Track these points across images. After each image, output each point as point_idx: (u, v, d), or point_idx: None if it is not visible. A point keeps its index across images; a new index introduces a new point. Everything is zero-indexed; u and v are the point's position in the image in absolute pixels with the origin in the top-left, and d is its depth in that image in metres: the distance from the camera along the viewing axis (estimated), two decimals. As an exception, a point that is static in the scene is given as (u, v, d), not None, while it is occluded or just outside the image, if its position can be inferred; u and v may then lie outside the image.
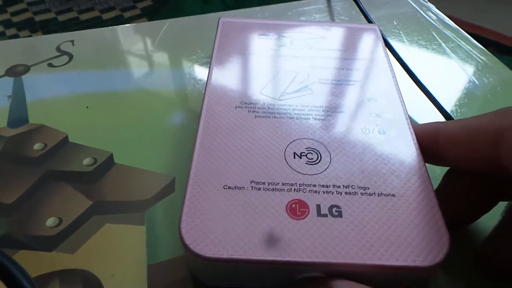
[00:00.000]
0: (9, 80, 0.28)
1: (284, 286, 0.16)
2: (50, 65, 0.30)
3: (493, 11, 1.36)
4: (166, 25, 0.35)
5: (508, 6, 1.37)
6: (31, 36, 1.11)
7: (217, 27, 0.27)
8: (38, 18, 1.19)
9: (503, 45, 1.18)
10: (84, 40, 0.33)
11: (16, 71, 0.29)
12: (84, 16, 1.20)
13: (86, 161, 0.23)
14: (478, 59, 0.32)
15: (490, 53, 0.33)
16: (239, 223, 0.16)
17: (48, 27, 1.15)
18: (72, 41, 0.32)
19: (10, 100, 0.27)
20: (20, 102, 0.27)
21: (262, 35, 0.26)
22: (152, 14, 1.21)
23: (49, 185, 0.22)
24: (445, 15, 0.37)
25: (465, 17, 1.26)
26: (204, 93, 0.22)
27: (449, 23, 0.36)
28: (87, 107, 0.27)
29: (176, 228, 0.16)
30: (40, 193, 0.22)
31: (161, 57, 0.31)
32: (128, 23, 1.13)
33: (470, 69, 0.31)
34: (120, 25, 0.35)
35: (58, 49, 0.31)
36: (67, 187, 0.22)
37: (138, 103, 0.27)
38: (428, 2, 0.39)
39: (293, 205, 0.16)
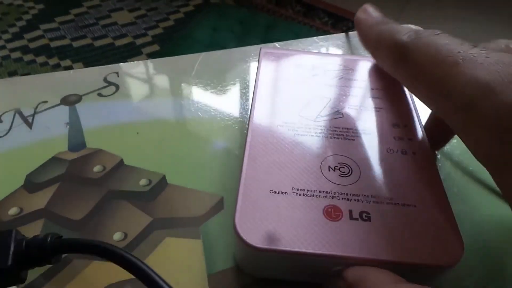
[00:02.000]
0: (65, 109, 0.31)
1: (317, 278, 0.18)
2: (100, 94, 0.33)
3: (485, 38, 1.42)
4: (201, 58, 0.38)
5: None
6: (47, 61, 1.16)
7: (259, 56, 0.30)
8: (53, 44, 1.24)
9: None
10: (127, 72, 0.36)
11: (70, 100, 0.32)
12: (97, 43, 1.25)
13: (142, 181, 0.26)
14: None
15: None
16: (284, 221, 0.18)
17: (64, 53, 1.20)
18: (117, 73, 0.35)
19: (68, 126, 0.30)
20: (77, 128, 0.30)
21: (299, 64, 0.30)
22: (163, 41, 1.26)
23: (112, 203, 0.25)
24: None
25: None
26: (250, 114, 0.25)
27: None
28: (137, 133, 0.30)
29: (229, 241, 0.18)
30: (105, 210, 0.24)
31: (198, 88, 0.35)
32: (140, 50, 1.18)
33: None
34: (158, 58, 0.38)
35: (105, 79, 0.35)
36: (128, 205, 0.25)
37: (183, 130, 0.30)
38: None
39: (329, 209, 0.19)
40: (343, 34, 0.42)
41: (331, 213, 0.19)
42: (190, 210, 0.24)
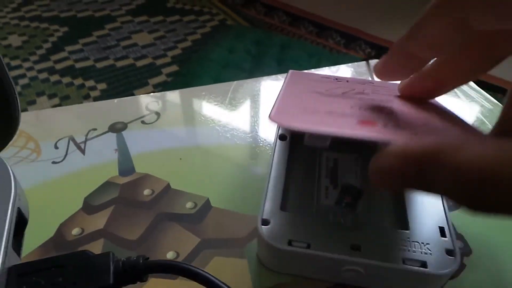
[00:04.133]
0: (112, 135, 0.34)
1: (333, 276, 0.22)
2: (143, 122, 0.36)
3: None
4: (233, 86, 0.41)
5: None
6: (72, 82, 1.21)
7: (286, 76, 0.32)
8: (78, 65, 1.29)
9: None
10: (167, 100, 0.39)
11: (116, 128, 0.35)
12: (119, 64, 1.31)
13: (189, 204, 0.28)
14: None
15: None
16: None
17: (87, 74, 1.25)
18: (158, 101, 0.38)
19: (116, 152, 0.33)
20: (125, 154, 0.33)
21: (325, 81, 0.32)
22: (181, 61, 1.31)
23: (162, 224, 0.27)
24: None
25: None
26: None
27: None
28: (180, 158, 0.32)
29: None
30: (157, 231, 0.27)
31: (232, 115, 0.37)
32: (160, 70, 1.22)
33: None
34: (193, 87, 0.41)
35: (147, 108, 0.38)
36: (177, 226, 0.27)
37: (222, 156, 0.33)
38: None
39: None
40: (364, 62, 0.44)
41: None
42: (234, 231, 0.27)
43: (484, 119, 0.37)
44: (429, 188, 0.13)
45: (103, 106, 0.38)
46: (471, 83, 0.42)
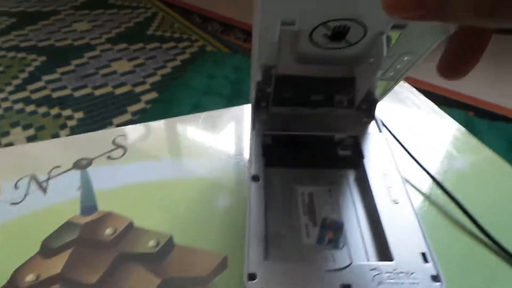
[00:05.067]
0: (77, 173, 0.34)
1: None
2: (109, 157, 0.35)
3: (467, 76, 1.49)
4: (203, 117, 0.41)
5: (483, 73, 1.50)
6: (49, 111, 1.19)
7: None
8: (55, 94, 1.28)
9: (481, 109, 1.28)
10: (133, 134, 0.39)
11: (81, 165, 0.35)
12: (98, 92, 1.30)
13: (151, 243, 0.28)
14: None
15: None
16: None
17: (65, 103, 1.24)
18: (124, 135, 0.38)
19: (79, 190, 0.32)
20: (89, 192, 0.32)
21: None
22: (161, 88, 1.31)
23: (123, 266, 0.26)
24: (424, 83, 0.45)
25: (443, 84, 1.38)
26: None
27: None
28: (145, 194, 0.32)
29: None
30: (117, 273, 0.26)
31: (201, 148, 0.37)
32: (139, 97, 1.22)
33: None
34: (163, 119, 0.41)
35: (113, 142, 0.37)
36: (138, 267, 0.26)
37: (190, 189, 0.32)
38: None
39: None
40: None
41: None
42: (197, 269, 0.26)
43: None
44: (444, 12, 0.13)
45: (69, 142, 0.37)
46: (433, 106, 0.43)
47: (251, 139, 0.32)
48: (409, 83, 0.47)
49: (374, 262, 0.24)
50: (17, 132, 1.09)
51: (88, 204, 0.31)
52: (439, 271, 0.23)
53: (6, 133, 1.09)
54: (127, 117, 1.17)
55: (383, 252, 0.25)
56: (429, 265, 0.23)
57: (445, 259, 0.27)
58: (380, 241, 0.26)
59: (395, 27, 0.22)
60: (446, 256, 0.28)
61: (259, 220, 0.25)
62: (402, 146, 0.35)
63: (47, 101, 1.23)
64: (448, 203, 0.31)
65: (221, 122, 0.40)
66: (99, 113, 1.18)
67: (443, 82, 1.36)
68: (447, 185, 0.32)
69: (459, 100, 1.29)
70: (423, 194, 0.33)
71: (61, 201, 0.31)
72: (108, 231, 0.29)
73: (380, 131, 0.34)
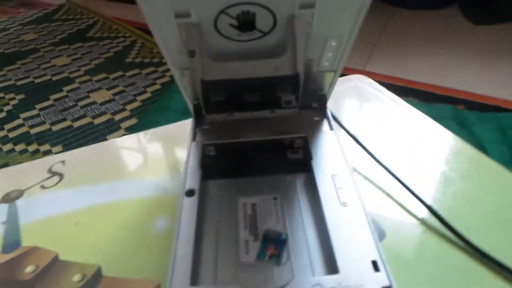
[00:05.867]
0: (4, 207, 0.31)
1: None
2: (42, 186, 0.33)
3: (455, 71, 1.48)
4: (148, 135, 0.38)
5: (470, 65, 1.49)
6: (26, 148, 1.17)
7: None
8: (33, 131, 1.26)
9: (472, 102, 1.27)
10: (73, 158, 0.36)
11: (10, 197, 0.32)
12: (77, 124, 1.28)
13: (76, 277, 0.25)
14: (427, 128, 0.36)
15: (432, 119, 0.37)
16: None
17: (43, 138, 1.21)
18: (63, 162, 0.35)
19: (3, 226, 0.29)
20: (14, 227, 0.29)
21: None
22: (141, 113, 1.29)
23: (40, 307, 0.23)
24: (410, 80, 0.43)
25: (431, 81, 1.37)
26: None
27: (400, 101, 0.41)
28: (76, 223, 0.29)
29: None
30: (32, 317, 0.22)
31: (145, 166, 0.34)
32: (119, 124, 1.20)
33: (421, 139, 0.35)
34: (105, 142, 0.39)
35: (49, 170, 0.34)
36: (58, 307, 0.23)
37: (124, 213, 0.29)
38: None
39: None
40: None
41: None
42: (125, 303, 0.23)
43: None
44: None
45: (0, 175, 0.35)
46: (399, 100, 0.41)
47: (188, 152, 0.29)
48: (394, 82, 0.45)
49: (317, 277, 0.21)
50: (-6, 173, 1.06)
51: (11, 240, 0.28)
52: (392, 281, 0.19)
53: (-17, 175, 1.06)
54: (106, 146, 1.14)
55: (330, 263, 0.22)
56: (380, 274, 0.20)
57: (408, 259, 0.24)
58: (327, 252, 0.23)
59: (303, 7, 0.20)
60: (410, 257, 0.25)
61: (188, 239, 0.22)
62: (356, 140, 0.33)
63: (25, 138, 1.21)
64: (412, 200, 0.28)
65: (169, 138, 0.38)
66: (78, 145, 1.16)
67: (430, 79, 1.35)
68: (412, 182, 0.29)
69: (448, 95, 1.28)
70: (384, 191, 0.30)
71: (-18, 240, 0.28)
72: (29, 268, 0.25)
73: (331, 129, 0.31)
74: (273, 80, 0.30)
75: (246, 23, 0.21)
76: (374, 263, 0.20)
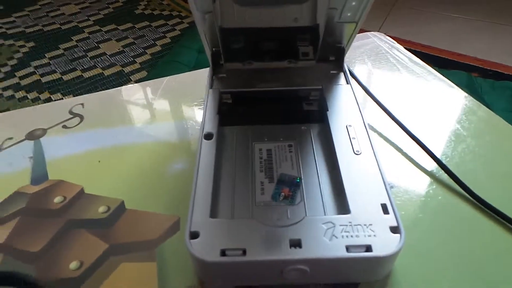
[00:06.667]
0: (30, 143, 0.32)
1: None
2: (65, 126, 0.34)
3: (470, 37, 1.43)
4: (164, 82, 0.39)
5: (485, 33, 1.44)
6: (39, 96, 1.18)
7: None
8: (44, 79, 1.26)
9: (488, 70, 1.24)
10: (92, 102, 0.37)
11: (35, 135, 0.33)
12: (87, 74, 1.28)
13: (101, 209, 0.26)
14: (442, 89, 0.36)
15: (447, 79, 0.37)
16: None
17: (54, 87, 1.22)
18: (82, 104, 0.36)
19: (31, 160, 0.31)
20: (40, 162, 0.30)
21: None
22: (150, 66, 1.29)
23: (69, 233, 0.25)
24: (425, 45, 0.42)
25: (446, 47, 1.33)
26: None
27: (418, 61, 0.40)
28: (99, 161, 0.30)
29: (183, 260, 0.19)
30: (63, 241, 0.25)
31: (161, 112, 0.35)
32: (129, 77, 1.20)
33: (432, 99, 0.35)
34: (123, 86, 0.39)
35: (70, 112, 0.35)
36: (85, 233, 0.25)
37: (143, 154, 0.31)
38: (396, 43, 0.44)
39: None
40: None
41: None
42: (147, 233, 0.25)
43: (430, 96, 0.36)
44: None
45: (23, 113, 0.36)
46: (415, 59, 0.40)
47: (206, 98, 0.30)
48: (409, 47, 0.44)
49: (329, 216, 0.22)
50: (7, 119, 1.09)
51: (39, 173, 0.29)
52: (399, 223, 0.21)
53: (-3, 121, 1.08)
54: (117, 97, 1.15)
55: (342, 205, 0.23)
56: (389, 216, 0.21)
57: (415, 209, 0.26)
58: (339, 195, 0.24)
59: None
60: (416, 206, 0.26)
61: (207, 178, 0.24)
62: (370, 94, 0.33)
63: (37, 86, 1.22)
64: (421, 154, 0.29)
65: (185, 86, 0.38)
66: (89, 95, 1.17)
67: (445, 45, 1.31)
68: (423, 138, 0.30)
69: (462, 62, 1.25)
70: (394, 145, 0.31)
71: (11, 171, 0.30)
72: (57, 199, 0.27)
73: (348, 82, 0.31)
74: (292, 31, 0.30)
75: None
76: (384, 206, 0.22)
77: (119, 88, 0.39)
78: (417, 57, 0.40)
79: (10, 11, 1.77)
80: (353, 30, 0.29)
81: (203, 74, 0.39)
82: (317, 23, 0.29)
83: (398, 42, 0.43)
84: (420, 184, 0.27)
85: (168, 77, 0.40)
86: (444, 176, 0.28)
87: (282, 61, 0.32)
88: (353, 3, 0.25)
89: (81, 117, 0.35)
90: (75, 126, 0.34)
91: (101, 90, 1.18)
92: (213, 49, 0.31)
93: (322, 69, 0.33)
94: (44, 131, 0.33)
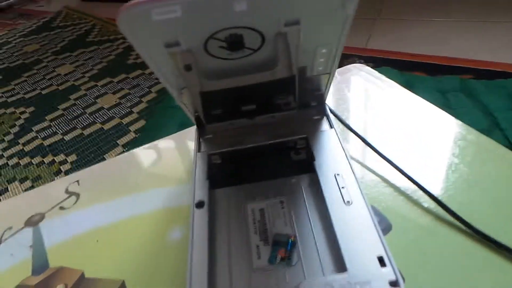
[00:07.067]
0: (29, 231, 0.33)
1: None
2: (62, 208, 0.34)
3: (457, 39, 1.44)
4: (155, 146, 0.40)
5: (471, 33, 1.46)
6: (43, 161, 1.20)
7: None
8: (46, 142, 1.29)
9: (480, 70, 1.24)
10: (87, 177, 0.37)
11: (33, 221, 0.33)
12: (87, 131, 1.31)
13: (102, 294, 0.26)
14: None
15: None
16: None
17: (57, 149, 1.24)
18: (78, 181, 0.37)
19: (31, 249, 0.31)
20: (40, 249, 0.31)
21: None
22: (148, 114, 1.31)
23: (73, 325, 0.25)
24: (414, 54, 0.42)
25: (435, 52, 1.34)
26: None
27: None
28: (97, 240, 0.30)
29: None
30: (66, 335, 0.24)
31: (155, 177, 0.36)
32: (128, 128, 1.21)
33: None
34: (117, 156, 0.40)
35: (66, 191, 0.36)
36: (89, 323, 0.25)
37: (141, 227, 0.31)
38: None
39: None
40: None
41: None
42: (150, 314, 0.24)
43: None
44: None
45: (20, 200, 0.36)
46: (396, 85, 0.41)
47: (194, 163, 0.30)
48: (398, 58, 0.45)
49: (327, 277, 0.22)
50: (14, 187, 1.10)
51: (39, 262, 0.30)
52: (398, 276, 0.20)
53: (5, 190, 1.10)
54: (118, 150, 1.16)
55: (339, 261, 0.23)
56: (387, 269, 0.21)
57: (415, 251, 0.25)
58: (334, 251, 0.24)
59: (288, 24, 0.20)
60: (415, 247, 0.26)
61: (201, 251, 0.24)
62: (357, 135, 0.33)
63: (40, 150, 1.24)
64: (414, 189, 0.29)
65: (174, 148, 0.39)
66: (91, 152, 1.18)
67: (433, 50, 1.33)
68: (412, 172, 0.30)
69: (453, 65, 1.25)
70: (389, 183, 0.31)
71: (13, 264, 0.30)
72: (59, 288, 0.27)
73: (331, 126, 0.32)
74: (270, 85, 0.30)
75: (235, 44, 0.22)
76: (380, 259, 0.21)
77: (110, 159, 0.40)
78: (407, 66, 0.41)
79: (9, 79, 1.84)
80: (328, 79, 0.30)
81: (189, 133, 0.40)
82: (293, 74, 0.30)
83: (386, 54, 0.44)
84: (417, 224, 0.27)
85: (156, 141, 0.41)
86: (441, 211, 0.27)
87: (264, 115, 0.33)
88: (321, 60, 0.26)
89: (77, 196, 0.35)
90: (72, 206, 0.34)
91: (102, 145, 1.21)
92: (195, 113, 0.32)
93: (305, 116, 0.33)
94: (42, 216, 0.34)
